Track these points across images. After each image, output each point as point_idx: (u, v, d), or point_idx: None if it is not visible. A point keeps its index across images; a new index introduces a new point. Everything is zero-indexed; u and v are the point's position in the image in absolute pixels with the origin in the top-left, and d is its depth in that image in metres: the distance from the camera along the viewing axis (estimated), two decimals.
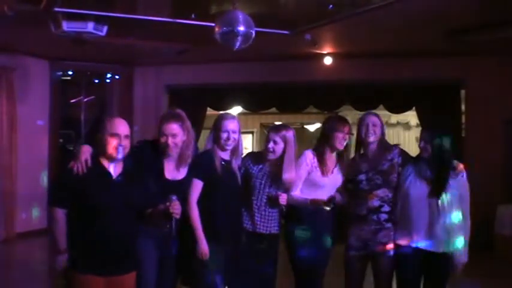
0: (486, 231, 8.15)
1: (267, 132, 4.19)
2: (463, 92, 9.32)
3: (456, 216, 3.91)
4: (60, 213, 3.21)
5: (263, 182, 4.05)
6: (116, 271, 3.27)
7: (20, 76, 9.16)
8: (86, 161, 3.27)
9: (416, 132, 12.45)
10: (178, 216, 3.38)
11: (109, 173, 3.29)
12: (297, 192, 4.11)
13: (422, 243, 3.88)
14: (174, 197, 3.36)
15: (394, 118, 11.67)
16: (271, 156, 4.07)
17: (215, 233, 3.81)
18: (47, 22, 6.62)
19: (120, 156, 3.29)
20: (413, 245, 3.90)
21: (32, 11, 6.26)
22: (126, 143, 3.31)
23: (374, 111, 9.75)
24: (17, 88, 9.12)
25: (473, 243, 8.80)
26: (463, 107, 9.40)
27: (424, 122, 9.59)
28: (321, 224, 4.10)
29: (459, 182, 4.00)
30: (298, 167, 4.10)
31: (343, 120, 4.22)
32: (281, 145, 4.04)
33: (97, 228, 3.17)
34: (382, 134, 4.16)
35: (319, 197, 4.05)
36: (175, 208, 3.35)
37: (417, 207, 3.89)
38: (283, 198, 3.98)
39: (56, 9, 6.31)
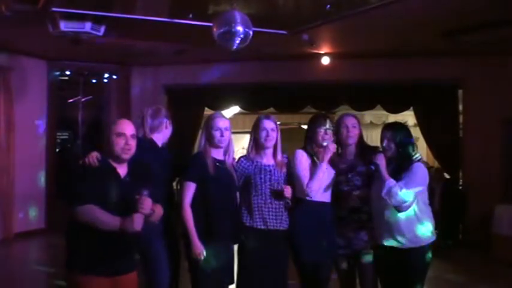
0: (484, 231, 8.16)
1: (258, 121, 4.14)
2: (460, 92, 9.34)
3: (414, 210, 3.84)
4: (87, 207, 3.08)
5: (262, 176, 4.04)
6: (121, 271, 3.27)
7: (17, 76, 9.15)
8: (97, 157, 3.25)
9: (414, 132, 12.44)
10: (145, 212, 3.18)
11: (118, 174, 3.28)
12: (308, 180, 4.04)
13: (388, 241, 3.89)
14: (146, 192, 3.20)
15: (392, 118, 11.66)
16: (269, 144, 4.06)
17: (213, 233, 3.81)
18: (45, 22, 6.62)
19: (127, 156, 3.28)
20: (383, 243, 3.92)
21: (30, 11, 6.26)
22: (132, 143, 3.30)
23: (372, 111, 9.87)
24: (15, 88, 9.10)
25: (470, 243, 8.90)
26: (460, 107, 9.42)
27: (422, 121, 9.62)
28: (327, 221, 4.07)
29: (411, 173, 3.86)
30: (299, 163, 4.09)
31: (324, 117, 4.21)
32: (275, 131, 4.08)
33: (106, 231, 3.13)
34: (361, 135, 4.19)
35: (325, 190, 4.05)
36: (144, 204, 3.19)
37: (378, 206, 3.92)
38: (288, 191, 3.96)
39: (54, 9, 6.31)
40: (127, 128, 3.31)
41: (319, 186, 4.00)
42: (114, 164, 3.28)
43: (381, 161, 3.87)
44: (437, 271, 6.00)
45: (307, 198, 4.03)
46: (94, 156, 3.24)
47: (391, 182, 3.79)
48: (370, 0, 6.14)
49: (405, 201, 3.79)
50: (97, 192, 3.13)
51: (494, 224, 8.03)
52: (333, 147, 4.02)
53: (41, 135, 9.80)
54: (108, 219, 3.10)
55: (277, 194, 4.00)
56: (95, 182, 3.15)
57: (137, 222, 3.13)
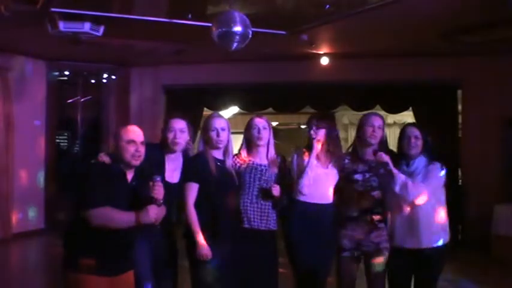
0: (483, 231, 8.16)
1: (249, 121, 4.15)
2: (459, 92, 9.33)
3: (435, 211, 3.95)
4: (101, 209, 3.10)
5: (252, 175, 4.04)
6: (119, 271, 3.29)
7: (16, 76, 9.15)
8: (106, 157, 3.28)
9: None
10: (158, 197, 3.27)
11: (126, 178, 3.31)
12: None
13: (408, 243, 3.92)
14: (158, 178, 3.29)
15: (391, 118, 11.67)
16: (261, 142, 4.06)
17: (215, 233, 3.81)
18: (44, 22, 6.62)
19: (137, 163, 3.29)
20: (402, 245, 3.94)
21: (29, 11, 6.25)
22: (142, 149, 3.32)
23: (371, 111, 9.83)
24: (14, 88, 9.09)
25: (470, 243, 8.89)
26: (459, 107, 9.42)
27: (421, 122, 9.60)
28: (323, 223, 4.05)
29: (431, 175, 3.97)
30: (294, 163, 4.10)
31: (313, 117, 4.22)
32: (268, 130, 4.08)
33: (106, 231, 3.15)
34: (385, 137, 4.16)
35: (322, 191, 4.05)
36: (157, 189, 3.27)
37: (397, 207, 3.98)
38: (276, 190, 3.96)
39: (53, 9, 6.31)
40: (137, 135, 3.33)
41: (309, 182, 3.99)
42: (123, 169, 3.30)
43: (387, 158, 3.88)
44: None
45: (301, 198, 4.04)
46: (105, 156, 3.28)
47: (402, 177, 3.83)
48: (369, 0, 6.14)
49: (421, 195, 3.84)
50: (107, 196, 3.14)
51: (494, 224, 8.03)
52: (317, 145, 4.05)
53: (40, 135, 9.79)
54: (123, 217, 3.16)
55: (265, 193, 4.00)
56: (105, 186, 3.16)
57: (152, 212, 3.19)
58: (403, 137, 4.04)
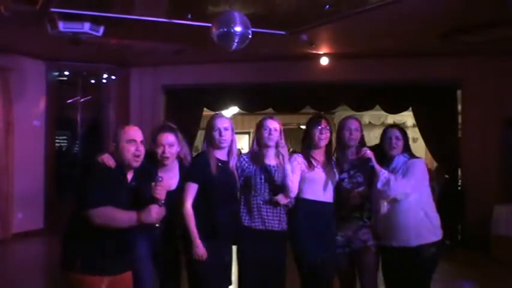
0: (482, 231, 8.17)
1: (261, 121, 4.14)
2: (459, 92, 9.34)
3: (420, 208, 3.98)
4: (103, 208, 3.10)
5: (263, 176, 4.04)
6: (118, 270, 3.30)
7: (16, 76, 9.14)
8: (111, 159, 3.27)
9: (412, 132, 12.47)
10: (160, 197, 3.26)
11: (126, 178, 3.32)
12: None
13: (397, 242, 3.97)
14: (161, 178, 3.30)
15: (391, 118, 11.67)
16: (271, 143, 4.05)
17: (214, 233, 3.80)
18: (43, 22, 6.62)
19: (137, 164, 3.30)
20: (391, 244, 3.99)
21: (28, 12, 6.25)
22: (142, 149, 3.33)
23: (371, 111, 9.86)
24: (13, 88, 9.09)
25: (469, 243, 8.89)
26: (459, 107, 9.42)
27: (421, 122, 9.62)
28: (327, 222, 4.07)
29: (412, 169, 4.01)
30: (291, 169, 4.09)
31: (318, 117, 4.24)
32: (278, 131, 4.07)
33: (106, 231, 3.16)
34: (362, 136, 4.24)
35: (324, 191, 4.08)
36: (159, 189, 3.27)
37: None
38: (281, 199, 3.96)
39: (52, 9, 6.31)
40: (137, 134, 3.35)
41: (294, 188, 3.99)
42: (123, 169, 3.31)
43: (370, 154, 3.98)
44: (436, 271, 5.98)
45: (306, 196, 4.06)
46: (109, 158, 3.26)
47: (385, 173, 3.92)
48: (369, 0, 6.14)
49: (403, 191, 3.89)
50: (108, 195, 3.15)
51: (493, 224, 8.03)
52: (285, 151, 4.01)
53: (40, 135, 9.79)
54: (125, 216, 3.17)
55: (274, 203, 4.01)
56: (105, 185, 3.17)
57: (154, 212, 3.19)
58: (384, 138, 4.16)
